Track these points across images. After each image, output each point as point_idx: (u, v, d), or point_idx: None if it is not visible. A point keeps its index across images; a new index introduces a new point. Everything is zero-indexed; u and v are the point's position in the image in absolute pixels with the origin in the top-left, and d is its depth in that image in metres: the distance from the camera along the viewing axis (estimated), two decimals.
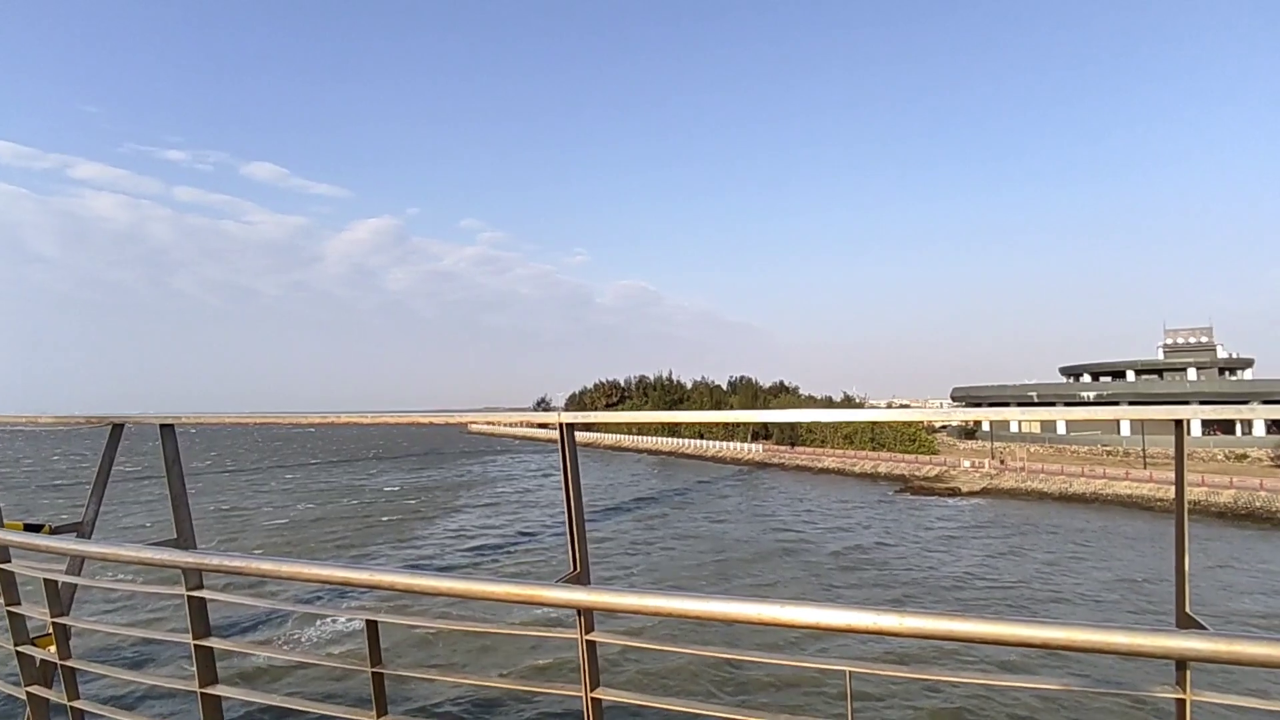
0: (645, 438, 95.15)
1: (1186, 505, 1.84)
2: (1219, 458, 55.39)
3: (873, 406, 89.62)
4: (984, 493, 49.48)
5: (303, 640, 19.29)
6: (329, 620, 20.58)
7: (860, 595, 24.12)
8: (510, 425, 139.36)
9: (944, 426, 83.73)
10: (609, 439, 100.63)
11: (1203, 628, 1.68)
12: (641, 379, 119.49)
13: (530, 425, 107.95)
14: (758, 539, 33.81)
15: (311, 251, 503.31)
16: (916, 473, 57.74)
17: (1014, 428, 71.28)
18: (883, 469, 61.43)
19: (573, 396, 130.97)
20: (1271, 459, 51.68)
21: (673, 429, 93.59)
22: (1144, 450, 56.67)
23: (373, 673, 2.43)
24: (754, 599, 1.65)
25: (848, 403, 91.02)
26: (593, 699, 2.22)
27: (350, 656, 3.28)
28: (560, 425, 2.50)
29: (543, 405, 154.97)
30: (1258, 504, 38.52)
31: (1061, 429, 68.40)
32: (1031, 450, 63.66)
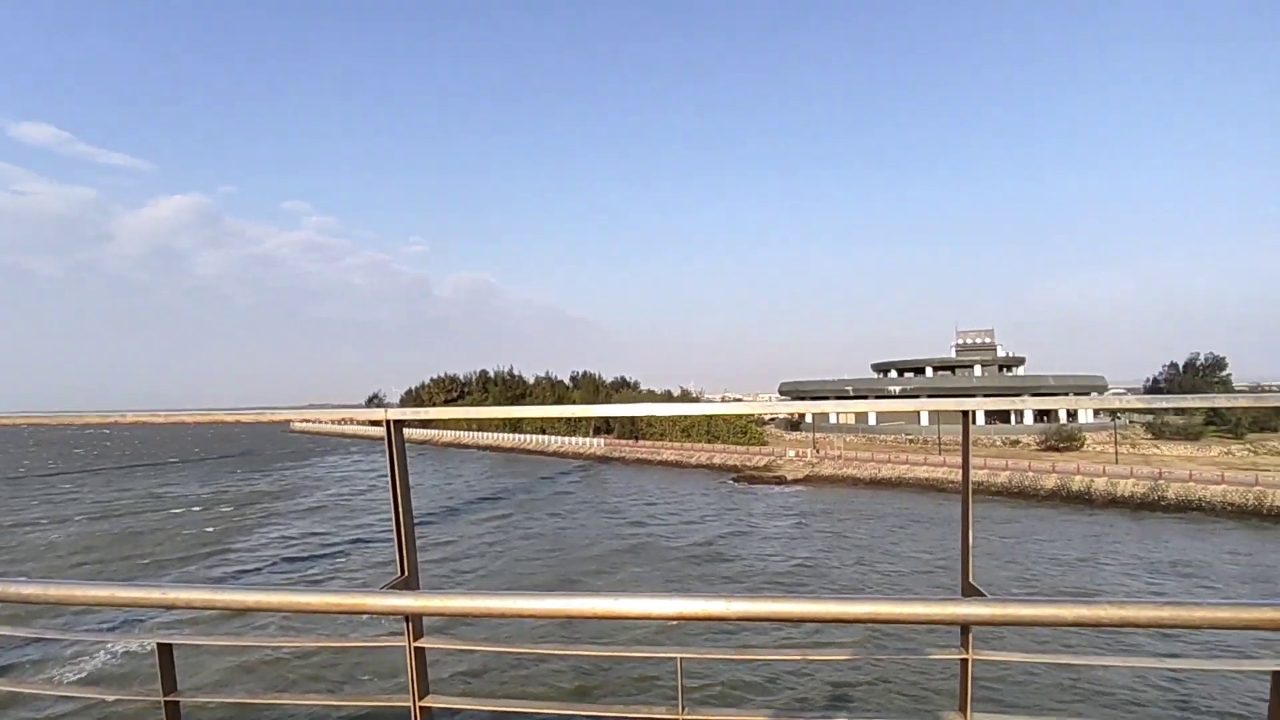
0: (486, 434, 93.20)
1: (970, 486, 2.06)
2: (998, 443, 63.38)
3: (708, 401, 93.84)
4: (806, 480, 53.33)
5: (80, 672, 16.99)
6: (115, 648, 18.27)
7: (703, 584, 25.15)
8: (335, 423, 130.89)
9: (772, 419, 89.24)
10: (448, 435, 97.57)
11: (983, 595, 1.89)
12: (482, 374, 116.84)
13: (357, 423, 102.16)
14: (604, 536, 34.24)
15: (102, 228, 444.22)
16: (748, 463, 61.07)
17: (833, 419, 77.35)
18: (717, 460, 64.38)
19: (409, 392, 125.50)
20: (1038, 444, 59.91)
21: (515, 425, 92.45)
22: (939, 438, 63.68)
23: (165, 701, 2.17)
24: (586, 593, 1.65)
25: (685, 397, 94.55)
26: (421, 708, 2.13)
27: (143, 687, 2.92)
28: (387, 423, 2.36)
29: (376, 401, 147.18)
30: (1026, 483, 44.60)
31: (873, 420, 75.15)
32: (847, 440, 69.43)
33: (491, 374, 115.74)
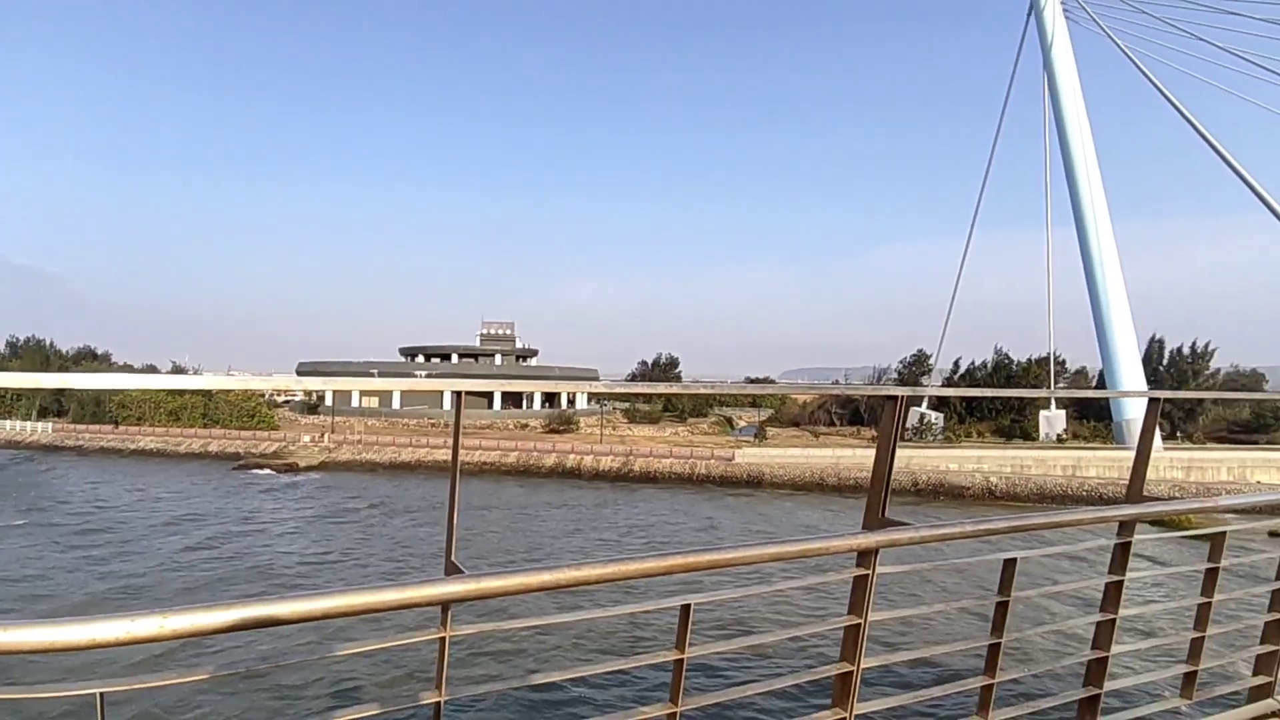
0: None
1: (459, 467, 2.12)
2: (510, 426, 69.47)
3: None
4: (322, 466, 50.35)
5: None
6: None
7: (196, 594, 21.49)
8: None
9: (287, 400, 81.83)
10: None
11: (462, 573, 1.96)
12: None
13: None
14: (50, 550, 26.71)
15: None
16: (254, 449, 54.83)
17: (355, 402, 74.64)
18: (214, 447, 56.29)
19: None
20: (544, 427, 67.57)
21: None
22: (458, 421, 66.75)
23: None
24: None
25: (178, 373, 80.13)
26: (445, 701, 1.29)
27: None
28: None
29: None
30: (531, 462, 49.92)
31: (397, 403, 74.88)
32: (369, 424, 67.78)
33: None
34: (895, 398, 2.54)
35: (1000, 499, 39.57)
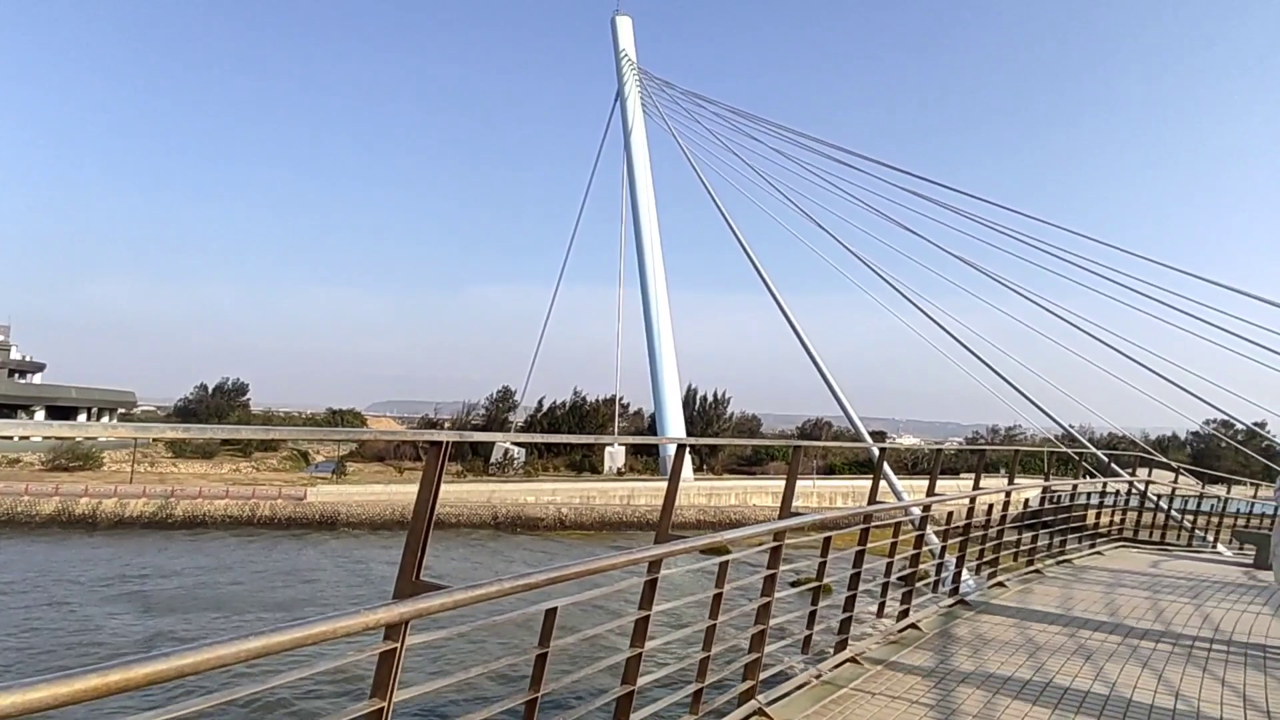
0: None
1: None
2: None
3: None
4: None
5: None
6: None
7: None
8: None
9: None
10: None
11: None
12: None
13: None
14: None
15: None
16: None
17: None
18: None
19: None
20: (44, 464, 52.61)
21: None
22: None
23: None
24: None
25: None
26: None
27: None
28: None
29: None
30: (20, 509, 38.28)
31: None
32: None
33: None
34: (440, 443, 2.29)
35: (570, 527, 43.08)
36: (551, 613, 2.75)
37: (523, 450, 58.75)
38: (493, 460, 56.50)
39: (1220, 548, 13.48)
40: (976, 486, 7.61)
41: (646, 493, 48.71)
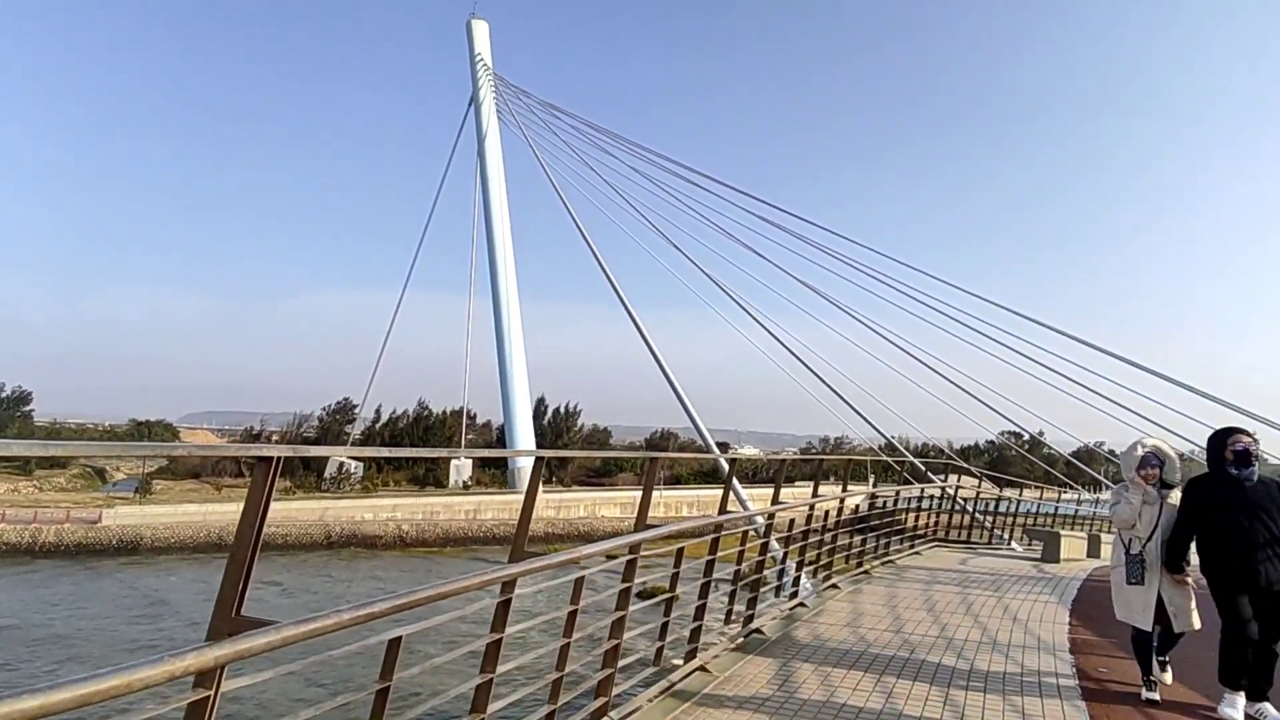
0: None
1: None
2: None
3: None
4: None
5: None
6: None
7: None
8: None
9: None
10: None
11: None
12: None
13: None
14: None
15: None
16: None
17: None
18: None
19: None
20: None
21: None
22: None
23: None
24: None
25: None
26: None
27: None
28: None
29: None
30: None
31: None
32: None
33: None
34: (269, 459, 2.03)
35: (411, 545, 41.05)
36: (395, 642, 2.53)
37: (360, 464, 55.43)
38: (327, 475, 52.82)
39: (1014, 545, 15.19)
40: (815, 494, 8.04)
41: (494, 506, 47.54)
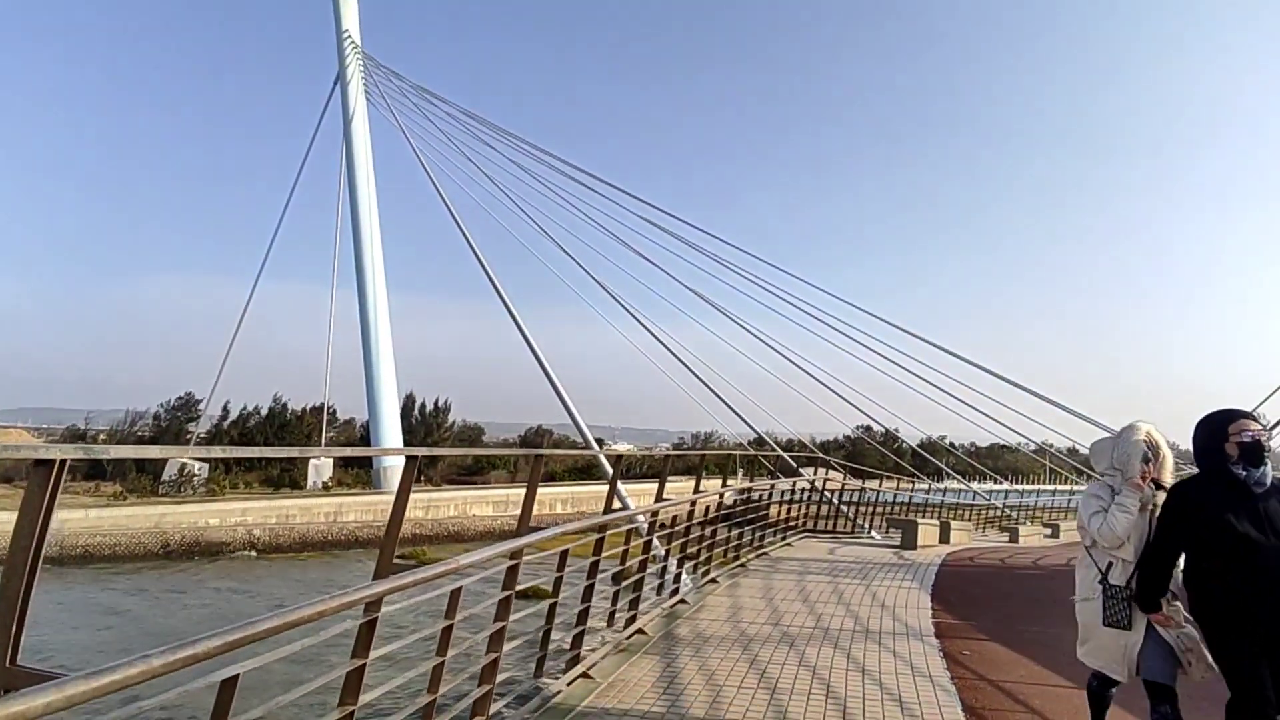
0: None
1: None
2: None
3: None
4: None
5: None
6: None
7: None
8: None
9: None
10: None
11: None
12: None
13: None
14: None
15: None
16: None
17: None
18: None
19: None
20: None
21: None
22: None
23: None
24: None
25: None
26: None
27: None
28: None
29: None
30: None
31: None
32: None
33: None
34: (50, 462, 1.57)
35: (264, 552, 38.04)
36: (230, 682, 2.10)
37: (205, 466, 50.80)
38: (165, 478, 47.96)
39: (874, 533, 16.04)
40: (697, 490, 8.00)
41: (357, 508, 44.97)
